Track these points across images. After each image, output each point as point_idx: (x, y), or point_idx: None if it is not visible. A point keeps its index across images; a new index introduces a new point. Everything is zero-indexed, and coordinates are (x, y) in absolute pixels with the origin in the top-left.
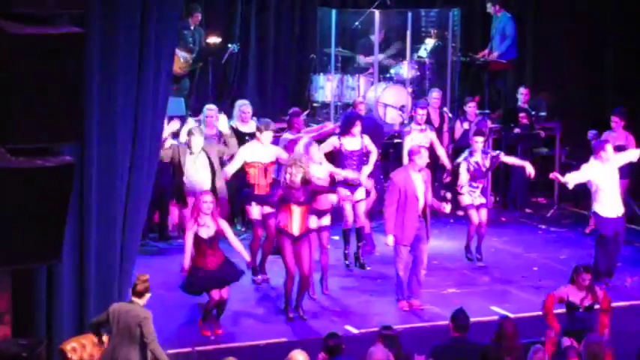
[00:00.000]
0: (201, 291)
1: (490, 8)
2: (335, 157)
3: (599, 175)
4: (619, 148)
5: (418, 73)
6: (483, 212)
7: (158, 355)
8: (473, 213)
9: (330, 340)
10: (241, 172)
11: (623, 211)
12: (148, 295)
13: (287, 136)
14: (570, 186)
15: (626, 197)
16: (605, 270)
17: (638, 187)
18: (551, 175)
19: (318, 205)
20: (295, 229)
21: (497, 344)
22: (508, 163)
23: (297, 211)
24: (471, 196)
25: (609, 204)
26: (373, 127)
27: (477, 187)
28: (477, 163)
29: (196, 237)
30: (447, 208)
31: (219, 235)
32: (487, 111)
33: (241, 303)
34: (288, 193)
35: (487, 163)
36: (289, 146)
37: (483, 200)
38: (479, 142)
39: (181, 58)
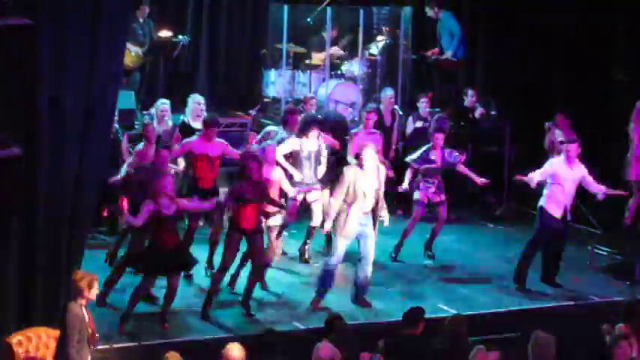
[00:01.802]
0: (157, 270)
1: (430, 12)
2: (294, 158)
3: (561, 171)
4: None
5: (369, 70)
6: (442, 209)
7: None
8: (419, 210)
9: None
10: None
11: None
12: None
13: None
14: (533, 184)
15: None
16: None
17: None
18: (516, 177)
19: (265, 206)
20: (247, 224)
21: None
22: (462, 172)
23: (249, 207)
24: (427, 192)
25: (559, 203)
26: (337, 123)
27: (433, 183)
28: (434, 160)
29: (158, 214)
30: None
31: (180, 214)
32: (437, 109)
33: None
34: (239, 189)
35: (449, 159)
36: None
37: (442, 197)
38: (439, 139)
39: (132, 52)
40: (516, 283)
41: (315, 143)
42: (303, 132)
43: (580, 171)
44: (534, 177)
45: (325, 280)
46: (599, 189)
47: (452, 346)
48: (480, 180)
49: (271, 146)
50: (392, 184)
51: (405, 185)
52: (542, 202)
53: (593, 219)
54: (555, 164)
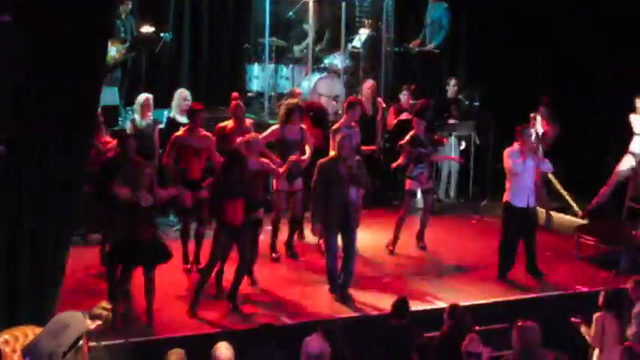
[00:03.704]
0: (133, 262)
1: None
2: (277, 146)
3: (519, 162)
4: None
5: (352, 64)
6: (429, 197)
7: None
8: (410, 200)
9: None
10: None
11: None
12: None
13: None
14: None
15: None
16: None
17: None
18: None
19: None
20: (233, 219)
21: None
22: (437, 160)
23: (234, 202)
24: (420, 179)
25: (522, 194)
26: (318, 113)
27: (424, 169)
28: (422, 144)
29: (135, 205)
30: None
31: (158, 206)
32: (421, 101)
33: (173, 291)
34: (224, 184)
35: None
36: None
37: (431, 184)
38: (421, 124)
39: (114, 49)
40: (500, 274)
41: (298, 132)
42: (286, 120)
43: (535, 160)
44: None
45: (331, 275)
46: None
47: (456, 336)
48: (456, 159)
49: (254, 138)
50: (384, 173)
51: (400, 162)
52: (505, 196)
53: (578, 209)
54: (512, 159)
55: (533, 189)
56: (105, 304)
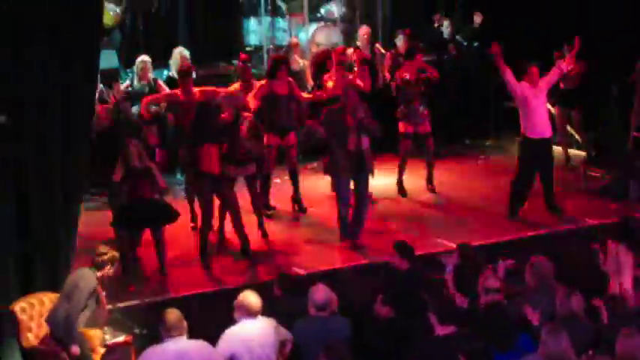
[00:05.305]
0: (138, 224)
1: None
2: (266, 102)
3: (529, 94)
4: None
5: (348, 11)
6: (429, 141)
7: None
8: (404, 143)
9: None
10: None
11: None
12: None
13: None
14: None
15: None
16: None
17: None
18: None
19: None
20: (211, 167)
21: None
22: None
23: (209, 149)
24: (411, 121)
25: (536, 125)
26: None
27: (416, 110)
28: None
29: (130, 168)
30: None
31: (152, 170)
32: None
33: (185, 250)
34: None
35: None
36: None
37: (428, 128)
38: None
39: (110, 11)
40: (509, 212)
41: (285, 86)
42: (273, 74)
43: (543, 86)
44: (509, 73)
45: (342, 224)
46: (560, 66)
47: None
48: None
49: (236, 91)
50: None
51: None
52: (523, 129)
53: (584, 143)
54: (523, 87)
55: (548, 120)
56: (101, 248)
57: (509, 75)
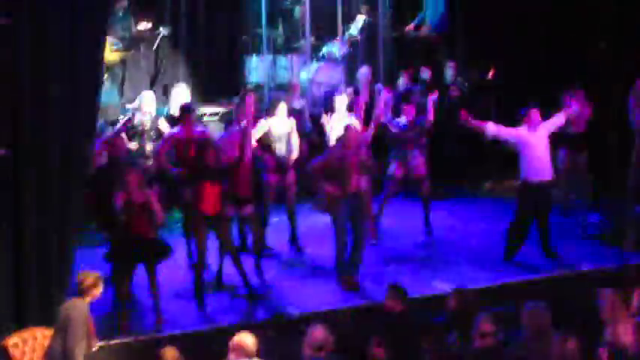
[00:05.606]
0: (131, 260)
1: None
2: (265, 139)
3: (529, 137)
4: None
5: (350, 51)
6: (425, 185)
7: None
8: (391, 186)
9: None
10: None
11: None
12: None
13: None
14: (487, 134)
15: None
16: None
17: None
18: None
19: (239, 190)
20: (208, 207)
21: None
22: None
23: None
24: (401, 163)
25: (537, 170)
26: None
27: (407, 154)
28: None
29: (129, 202)
30: None
31: (150, 204)
32: (418, 85)
33: (178, 286)
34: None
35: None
36: None
37: (422, 171)
38: (408, 109)
39: (112, 47)
40: (506, 255)
41: (285, 124)
42: (271, 112)
43: (544, 129)
44: (491, 127)
45: (339, 265)
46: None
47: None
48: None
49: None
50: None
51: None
52: (522, 173)
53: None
54: (521, 133)
55: (549, 164)
56: (80, 276)
57: (491, 129)
